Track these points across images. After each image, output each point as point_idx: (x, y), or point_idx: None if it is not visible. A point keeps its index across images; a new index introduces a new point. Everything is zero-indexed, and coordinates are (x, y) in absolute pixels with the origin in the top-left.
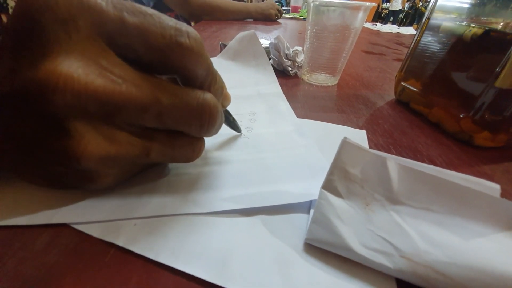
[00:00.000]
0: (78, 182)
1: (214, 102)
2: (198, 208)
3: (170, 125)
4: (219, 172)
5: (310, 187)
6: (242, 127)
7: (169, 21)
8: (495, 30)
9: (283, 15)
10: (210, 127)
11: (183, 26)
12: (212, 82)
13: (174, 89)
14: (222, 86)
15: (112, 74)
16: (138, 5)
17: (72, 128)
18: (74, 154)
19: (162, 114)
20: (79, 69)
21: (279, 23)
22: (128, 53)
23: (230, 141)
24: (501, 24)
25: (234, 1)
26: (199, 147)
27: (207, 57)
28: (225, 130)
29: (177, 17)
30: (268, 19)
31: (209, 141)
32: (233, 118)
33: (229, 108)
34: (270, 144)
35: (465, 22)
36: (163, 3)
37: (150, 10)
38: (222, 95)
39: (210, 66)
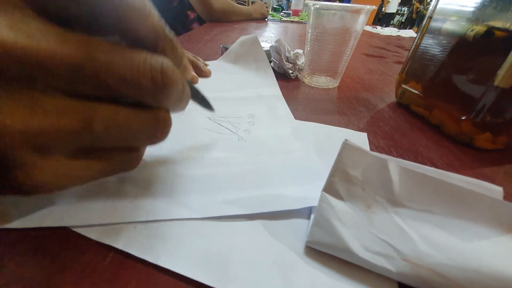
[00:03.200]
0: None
1: (167, 63)
2: (194, 213)
3: (115, 88)
4: (216, 174)
5: (308, 193)
6: (240, 130)
7: None
8: (498, 28)
9: (284, 19)
10: (167, 91)
11: None
12: (166, 48)
13: (113, 45)
14: (181, 55)
15: (29, 28)
16: None
17: None
18: None
19: (100, 73)
20: None
21: (266, 22)
22: (50, 9)
23: (228, 143)
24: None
25: (241, 5)
26: (163, 119)
27: (151, 13)
28: (222, 131)
29: (200, 18)
30: (262, 11)
31: (206, 144)
32: (203, 95)
33: (228, 109)
34: (268, 147)
35: (464, 23)
36: (187, 1)
37: None
38: (182, 66)
39: (159, 28)
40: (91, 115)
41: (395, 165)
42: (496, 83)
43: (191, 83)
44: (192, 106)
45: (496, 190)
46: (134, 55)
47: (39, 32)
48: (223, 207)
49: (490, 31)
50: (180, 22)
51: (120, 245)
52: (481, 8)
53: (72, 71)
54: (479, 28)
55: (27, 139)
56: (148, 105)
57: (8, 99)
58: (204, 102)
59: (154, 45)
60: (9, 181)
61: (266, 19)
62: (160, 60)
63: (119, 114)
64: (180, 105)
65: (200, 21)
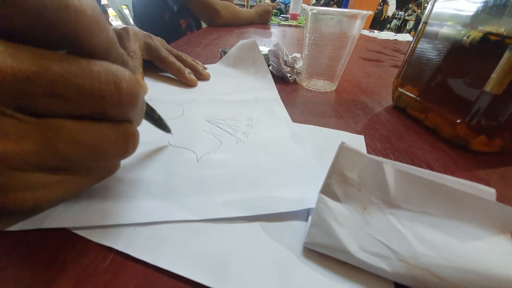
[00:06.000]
0: None
1: (129, 72)
2: (193, 215)
3: (74, 101)
4: (215, 176)
5: (306, 195)
6: (239, 132)
7: None
8: (494, 34)
9: (282, 23)
10: (132, 100)
11: None
12: (118, 61)
13: (68, 56)
14: (133, 70)
15: None
16: None
17: None
18: None
19: (56, 83)
20: None
21: (264, 26)
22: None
23: (226, 145)
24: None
25: (243, 9)
26: (131, 132)
27: (106, 26)
28: (220, 134)
29: (192, 26)
30: (266, 18)
31: (205, 146)
32: (159, 115)
33: (226, 112)
34: (266, 149)
35: (460, 28)
36: (187, 8)
37: None
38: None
39: (111, 40)
40: (53, 135)
41: (390, 167)
42: (488, 89)
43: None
44: (193, 109)
45: (489, 192)
46: (92, 65)
47: None
48: (222, 209)
49: (485, 37)
50: (173, 32)
51: (120, 246)
52: (476, 13)
53: (25, 84)
54: (475, 34)
55: None
56: (113, 119)
57: None
58: (158, 122)
59: (105, 58)
60: None
61: (267, 24)
62: (123, 69)
63: (85, 131)
64: (140, 118)
65: (192, 29)
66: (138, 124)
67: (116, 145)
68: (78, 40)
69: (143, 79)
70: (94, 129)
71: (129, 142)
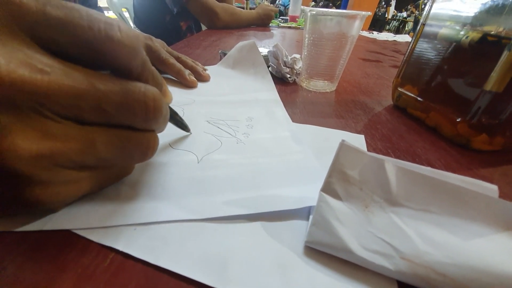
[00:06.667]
0: (14, 199)
1: (156, 91)
2: (193, 215)
3: (113, 115)
4: (215, 176)
5: (306, 193)
6: (239, 133)
7: (98, 15)
8: (492, 35)
9: (282, 24)
10: (157, 116)
11: (114, 21)
12: (149, 78)
13: (112, 77)
14: (160, 83)
15: (37, 63)
16: (65, 1)
17: None
18: None
19: (101, 101)
20: None
21: (265, 28)
22: (55, 47)
23: (226, 146)
24: (492, 32)
25: (244, 10)
26: (153, 140)
27: (141, 51)
28: (220, 134)
29: (192, 28)
30: (266, 22)
31: (205, 146)
32: (180, 117)
33: (226, 113)
34: (267, 149)
35: (459, 28)
36: (187, 11)
37: (77, 6)
38: (162, 91)
39: (145, 61)
40: (93, 138)
41: (391, 165)
42: (488, 88)
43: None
44: (193, 110)
45: (491, 189)
46: (129, 85)
47: (47, 67)
48: (222, 208)
49: (484, 37)
50: (173, 35)
51: (120, 246)
52: (474, 13)
53: (76, 100)
54: (474, 35)
55: (40, 159)
56: (139, 128)
57: (21, 125)
58: (180, 123)
59: (140, 76)
60: (22, 198)
61: (268, 26)
62: (151, 89)
63: (117, 137)
64: (163, 127)
65: (192, 31)
66: (161, 130)
67: (139, 151)
68: (119, 65)
69: (165, 84)
70: (125, 135)
71: (149, 148)
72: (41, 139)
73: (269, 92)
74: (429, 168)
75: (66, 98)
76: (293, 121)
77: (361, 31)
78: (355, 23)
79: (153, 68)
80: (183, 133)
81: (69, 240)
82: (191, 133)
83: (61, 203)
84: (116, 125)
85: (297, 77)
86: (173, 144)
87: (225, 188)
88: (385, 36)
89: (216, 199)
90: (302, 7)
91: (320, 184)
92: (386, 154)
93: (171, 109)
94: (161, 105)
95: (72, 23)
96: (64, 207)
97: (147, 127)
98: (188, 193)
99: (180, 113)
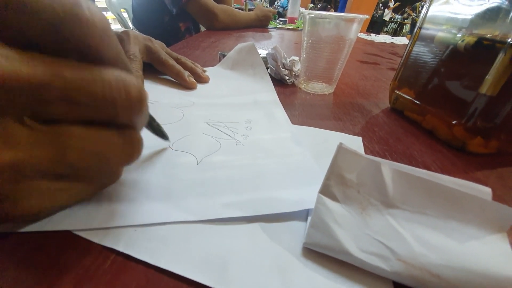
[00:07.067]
0: None
1: (137, 79)
2: (192, 216)
3: (88, 107)
4: (215, 178)
5: (305, 195)
6: (238, 135)
7: None
8: (488, 39)
9: (280, 26)
10: (142, 107)
11: (83, 0)
12: (123, 70)
13: (80, 63)
14: (140, 76)
15: None
16: None
17: None
18: None
19: (69, 90)
20: None
21: (262, 29)
22: (10, 33)
23: (226, 147)
24: (489, 36)
25: (243, 12)
26: (137, 140)
27: (114, 37)
28: (220, 136)
29: (191, 29)
30: (265, 23)
31: (204, 148)
32: (158, 124)
33: (225, 115)
34: (266, 151)
35: (455, 31)
36: (186, 12)
37: None
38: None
39: (119, 52)
40: (64, 144)
41: (388, 168)
42: (483, 91)
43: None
44: (193, 112)
45: (484, 191)
46: (103, 72)
47: (1, 57)
48: (222, 210)
49: (480, 41)
50: (172, 36)
51: (121, 247)
52: (470, 17)
53: (39, 90)
54: (470, 39)
55: (2, 172)
56: (120, 125)
57: None
58: (158, 130)
59: (113, 66)
60: None
61: (267, 27)
62: (131, 77)
63: (93, 138)
64: (143, 125)
65: (191, 32)
66: (139, 130)
67: (122, 152)
68: (89, 49)
69: (143, 82)
70: (102, 135)
71: (134, 149)
72: (1, 149)
73: (268, 93)
74: (424, 170)
75: (26, 89)
76: (291, 122)
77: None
78: (353, 26)
79: (127, 60)
80: (183, 135)
81: (70, 241)
82: (169, 141)
83: (41, 216)
84: (90, 123)
85: (296, 79)
86: (173, 145)
87: (225, 190)
88: (383, 38)
89: (216, 200)
90: (300, 9)
91: (318, 185)
92: (383, 156)
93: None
94: (143, 94)
95: (33, 1)
96: (47, 216)
97: (130, 121)
98: (188, 195)
99: (180, 116)
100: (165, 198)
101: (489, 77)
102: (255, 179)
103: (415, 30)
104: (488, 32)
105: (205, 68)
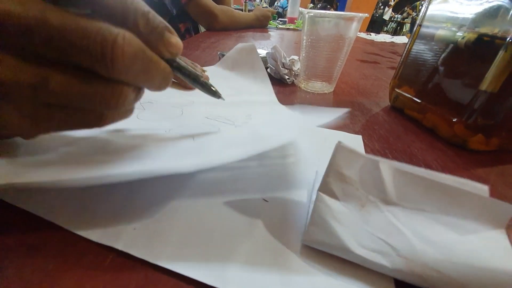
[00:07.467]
0: None
1: (128, 36)
2: (188, 167)
3: (69, 53)
4: (211, 143)
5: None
6: (238, 122)
7: None
8: (487, 35)
9: (280, 26)
10: (117, 63)
11: None
12: (139, 22)
13: (69, 13)
14: (160, 30)
15: None
16: None
17: None
18: None
19: (53, 36)
20: None
21: (262, 30)
22: None
23: (225, 130)
24: (488, 33)
25: (242, 12)
26: (116, 91)
27: None
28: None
29: (190, 30)
30: (264, 23)
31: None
32: (206, 82)
33: (225, 112)
34: (265, 126)
35: (455, 29)
36: (186, 13)
37: None
38: (163, 40)
39: (128, 2)
40: (47, 75)
41: (386, 166)
42: (484, 87)
43: (183, 64)
44: (192, 111)
45: (481, 189)
46: (88, 24)
47: None
48: (218, 157)
49: (480, 38)
50: None
51: (120, 245)
52: (470, 15)
53: (26, 31)
54: (470, 36)
55: None
56: (104, 76)
57: None
58: (206, 87)
59: (123, 19)
60: None
61: (266, 27)
62: (116, 32)
63: (74, 77)
64: (152, 83)
65: (191, 33)
66: (155, 87)
67: (101, 99)
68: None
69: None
70: (83, 76)
71: (111, 99)
72: None
73: (268, 96)
74: (422, 169)
75: (14, 28)
76: None
77: (358, 33)
78: (352, 25)
79: (148, 9)
80: (182, 125)
81: (69, 240)
82: (224, 99)
83: (15, 134)
84: (77, 66)
85: (296, 79)
86: (169, 131)
87: (222, 147)
88: (383, 37)
89: (213, 157)
90: (300, 8)
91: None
92: (384, 154)
93: (191, 72)
94: (127, 52)
95: None
96: (33, 137)
97: (112, 75)
98: (184, 155)
99: (179, 114)
100: (160, 157)
101: (490, 74)
102: (251, 138)
103: (415, 28)
104: (489, 30)
105: (204, 68)
